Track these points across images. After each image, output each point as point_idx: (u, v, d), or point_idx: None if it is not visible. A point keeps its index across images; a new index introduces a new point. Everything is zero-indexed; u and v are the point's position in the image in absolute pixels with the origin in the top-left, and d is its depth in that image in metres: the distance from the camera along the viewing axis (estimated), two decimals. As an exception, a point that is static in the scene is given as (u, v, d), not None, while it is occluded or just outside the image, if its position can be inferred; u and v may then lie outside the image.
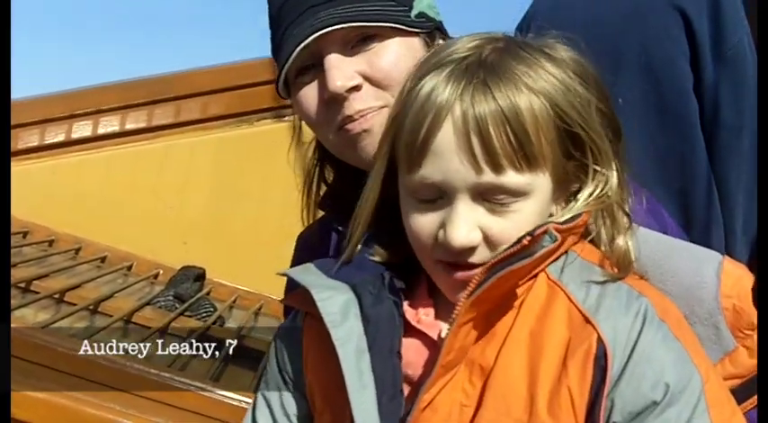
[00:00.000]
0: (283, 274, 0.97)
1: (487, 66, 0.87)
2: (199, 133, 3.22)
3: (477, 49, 0.89)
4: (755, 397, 0.92)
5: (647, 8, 1.57)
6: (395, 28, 1.11)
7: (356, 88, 1.10)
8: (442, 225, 0.86)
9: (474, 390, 0.86)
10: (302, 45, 1.09)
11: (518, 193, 0.85)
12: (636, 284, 0.89)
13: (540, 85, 0.86)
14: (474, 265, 0.86)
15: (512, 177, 0.84)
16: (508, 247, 0.86)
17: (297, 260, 1.36)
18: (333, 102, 1.11)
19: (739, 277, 0.95)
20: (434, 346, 0.88)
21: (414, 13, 1.14)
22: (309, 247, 1.34)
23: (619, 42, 1.56)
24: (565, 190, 0.91)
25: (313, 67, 1.13)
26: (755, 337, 0.93)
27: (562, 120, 0.86)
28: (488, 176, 0.84)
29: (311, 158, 1.31)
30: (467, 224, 0.85)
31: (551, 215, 0.90)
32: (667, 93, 1.57)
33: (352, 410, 0.85)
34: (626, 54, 1.56)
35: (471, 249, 0.86)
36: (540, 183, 0.86)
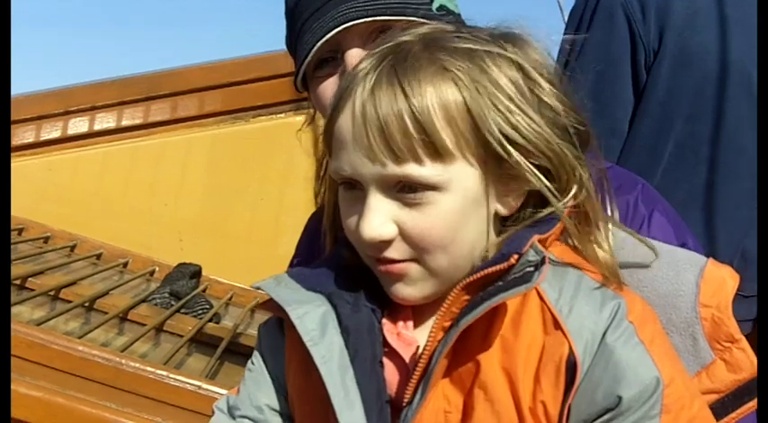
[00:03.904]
0: (258, 288, 0.93)
1: (402, 53, 0.83)
2: (195, 130, 3.21)
3: (414, 36, 0.86)
4: (735, 413, 0.88)
5: None
6: (417, 22, 1.08)
7: None
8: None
9: (455, 396, 0.83)
10: (324, 39, 1.07)
11: (429, 186, 0.81)
12: (612, 286, 0.85)
13: (464, 77, 0.82)
14: (393, 261, 0.84)
15: (415, 169, 0.80)
16: (486, 265, 0.82)
17: (306, 239, 1.35)
18: None
19: (720, 285, 0.90)
20: (410, 362, 0.86)
21: (435, 5, 1.12)
22: (316, 235, 1.33)
23: None
24: (514, 188, 0.86)
25: (332, 61, 1.11)
26: (734, 350, 0.89)
27: (488, 117, 0.82)
28: (389, 168, 0.81)
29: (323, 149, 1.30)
30: (377, 217, 0.82)
31: (497, 214, 0.87)
32: None
33: None
34: None
35: (387, 243, 0.83)
36: (458, 176, 0.82)
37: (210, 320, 2.44)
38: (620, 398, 0.79)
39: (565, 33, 1.92)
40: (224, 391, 1.62)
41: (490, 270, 0.81)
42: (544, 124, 0.84)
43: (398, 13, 1.09)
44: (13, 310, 1.98)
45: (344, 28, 1.07)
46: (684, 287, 0.91)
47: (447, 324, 0.83)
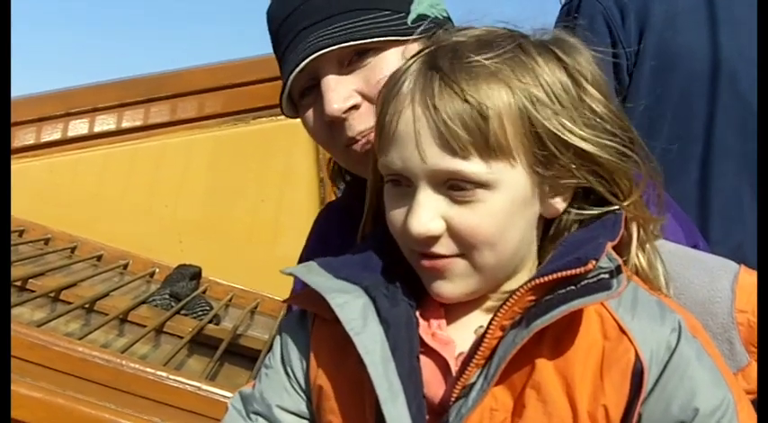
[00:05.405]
0: (289, 273, 0.94)
1: (457, 53, 0.85)
2: (195, 132, 3.22)
3: (467, 37, 0.87)
4: None
5: None
6: (390, 40, 1.09)
7: (355, 108, 1.09)
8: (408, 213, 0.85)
9: (504, 394, 0.83)
10: (296, 71, 1.09)
11: (480, 183, 0.82)
12: (663, 299, 0.87)
13: (517, 79, 0.83)
14: (439, 256, 0.85)
15: (468, 165, 0.82)
16: (558, 268, 0.82)
17: (317, 238, 1.36)
18: (334, 124, 1.10)
19: (753, 290, 0.92)
20: (449, 363, 0.86)
21: (411, 17, 1.12)
22: (325, 232, 1.33)
23: None
24: (560, 192, 0.88)
25: (314, 88, 1.12)
26: None
27: (541, 119, 0.83)
28: (441, 164, 0.82)
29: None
30: (426, 212, 0.83)
31: (541, 216, 0.88)
32: None
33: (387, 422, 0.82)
34: None
35: (434, 238, 0.84)
36: (508, 176, 0.83)
37: (210, 322, 2.44)
38: (696, 411, 0.81)
39: None
40: (223, 392, 1.64)
41: (566, 273, 0.82)
42: (594, 127, 0.86)
43: (367, 36, 1.08)
44: (14, 311, 1.98)
45: (314, 57, 1.08)
46: (720, 294, 0.93)
47: (507, 323, 0.84)
